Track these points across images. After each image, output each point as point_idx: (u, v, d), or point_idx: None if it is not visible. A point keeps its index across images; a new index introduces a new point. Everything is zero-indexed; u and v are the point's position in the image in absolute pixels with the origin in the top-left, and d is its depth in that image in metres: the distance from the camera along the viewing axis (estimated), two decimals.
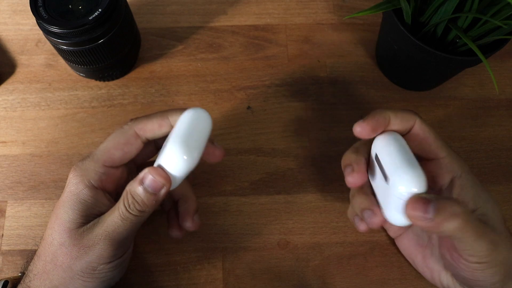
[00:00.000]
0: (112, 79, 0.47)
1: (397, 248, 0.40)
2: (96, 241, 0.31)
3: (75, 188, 0.32)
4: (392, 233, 0.39)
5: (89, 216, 0.32)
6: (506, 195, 0.43)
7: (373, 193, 0.34)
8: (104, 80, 0.46)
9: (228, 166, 0.43)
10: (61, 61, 0.47)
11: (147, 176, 0.30)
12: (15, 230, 0.41)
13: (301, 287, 0.39)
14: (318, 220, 0.41)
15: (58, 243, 0.32)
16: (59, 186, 0.42)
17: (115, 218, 0.31)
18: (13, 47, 0.48)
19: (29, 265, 0.33)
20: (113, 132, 0.34)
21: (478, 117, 0.46)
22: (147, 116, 0.34)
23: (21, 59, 0.48)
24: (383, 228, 0.41)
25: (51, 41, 0.40)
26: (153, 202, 0.31)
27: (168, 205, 0.38)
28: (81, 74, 0.45)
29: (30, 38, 0.49)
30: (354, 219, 0.35)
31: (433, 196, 0.29)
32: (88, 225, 0.32)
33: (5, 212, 0.41)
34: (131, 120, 0.34)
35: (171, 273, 0.39)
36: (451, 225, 0.28)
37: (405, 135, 0.34)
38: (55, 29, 0.38)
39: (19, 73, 0.47)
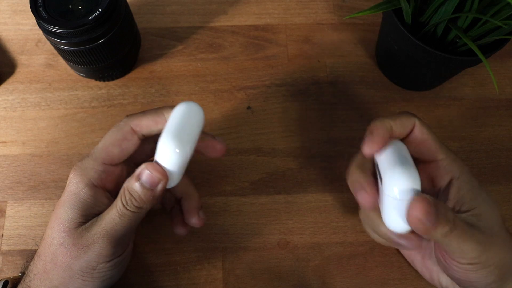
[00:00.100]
0: (112, 79, 0.47)
1: (397, 248, 0.40)
2: (95, 240, 0.31)
3: (75, 187, 0.32)
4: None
5: (89, 215, 0.32)
6: (506, 195, 0.43)
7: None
8: (104, 80, 0.46)
9: (228, 166, 0.43)
10: (61, 61, 0.47)
11: (144, 171, 0.30)
12: (15, 230, 0.41)
13: (301, 287, 0.39)
14: (318, 220, 0.41)
15: (57, 243, 0.32)
16: (59, 186, 0.42)
17: (113, 216, 0.31)
18: (13, 47, 0.48)
19: (29, 265, 0.33)
20: (109, 130, 0.34)
21: (478, 117, 0.46)
22: (143, 112, 0.34)
23: (21, 59, 0.48)
24: None
25: (51, 41, 0.40)
26: (151, 198, 0.31)
27: (170, 204, 0.38)
28: (81, 74, 0.45)
29: (30, 38, 0.49)
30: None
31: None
32: (87, 224, 0.32)
33: (5, 212, 0.41)
34: (127, 116, 0.34)
35: (171, 273, 0.39)
36: (437, 232, 0.29)
37: (405, 138, 0.34)
38: (55, 29, 0.38)
39: (19, 73, 0.47)
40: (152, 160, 0.32)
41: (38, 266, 0.32)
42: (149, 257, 0.40)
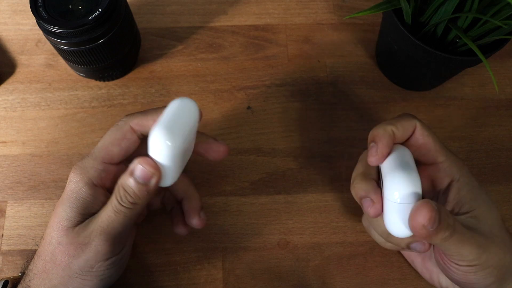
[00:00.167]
0: (112, 79, 0.47)
1: None
2: (92, 238, 0.31)
3: (75, 186, 0.32)
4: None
5: (88, 214, 0.32)
6: (506, 195, 0.43)
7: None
8: (104, 80, 0.46)
9: (228, 166, 0.43)
10: (61, 61, 0.47)
11: (137, 166, 0.30)
12: (15, 230, 0.41)
13: (301, 287, 0.39)
14: (318, 220, 0.41)
15: (56, 242, 0.32)
16: (59, 186, 0.42)
17: (109, 213, 0.31)
18: (13, 47, 0.48)
19: (29, 264, 0.33)
20: (109, 130, 0.34)
21: (478, 117, 0.46)
22: (142, 112, 0.34)
23: (21, 59, 0.48)
24: None
25: (51, 41, 0.40)
26: (145, 193, 0.31)
27: (171, 203, 0.38)
28: (81, 74, 0.45)
29: (30, 38, 0.49)
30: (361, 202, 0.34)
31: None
32: (84, 223, 0.32)
33: (5, 212, 0.41)
34: (126, 116, 0.34)
35: (171, 273, 0.39)
36: (438, 237, 0.29)
37: (406, 141, 0.34)
38: (55, 29, 0.38)
39: (19, 73, 0.47)
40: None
41: (38, 265, 0.32)
42: (149, 257, 0.40)
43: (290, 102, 0.46)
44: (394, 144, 0.33)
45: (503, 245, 0.31)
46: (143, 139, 0.34)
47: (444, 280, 0.35)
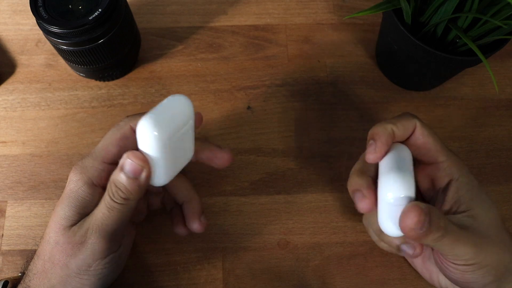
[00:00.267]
0: (112, 79, 0.47)
1: None
2: (88, 236, 0.31)
3: (74, 185, 0.32)
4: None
5: (86, 214, 0.32)
6: (506, 195, 0.43)
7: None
8: (104, 80, 0.46)
9: (228, 166, 0.43)
10: (61, 61, 0.47)
11: (126, 161, 0.30)
12: (15, 230, 0.41)
13: (301, 287, 0.39)
14: (318, 220, 0.41)
15: (53, 241, 0.32)
16: (59, 186, 0.42)
17: (103, 210, 0.31)
18: (13, 47, 0.48)
19: (29, 264, 0.33)
20: (109, 130, 0.34)
21: (478, 117, 0.46)
22: (143, 113, 0.34)
23: (21, 59, 0.48)
24: None
25: (51, 41, 0.40)
26: (136, 187, 0.30)
27: (171, 203, 0.38)
28: (81, 74, 0.45)
29: (30, 38, 0.49)
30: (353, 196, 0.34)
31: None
32: (80, 222, 0.32)
33: (5, 212, 0.41)
34: (127, 117, 0.34)
35: (171, 273, 0.39)
36: (428, 239, 0.29)
37: (406, 140, 0.34)
38: (55, 29, 0.38)
39: (19, 73, 0.47)
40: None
41: (37, 265, 0.32)
42: (149, 257, 0.40)
43: (290, 102, 0.46)
44: (393, 143, 0.33)
45: (502, 244, 0.31)
46: None
47: (444, 280, 0.35)
